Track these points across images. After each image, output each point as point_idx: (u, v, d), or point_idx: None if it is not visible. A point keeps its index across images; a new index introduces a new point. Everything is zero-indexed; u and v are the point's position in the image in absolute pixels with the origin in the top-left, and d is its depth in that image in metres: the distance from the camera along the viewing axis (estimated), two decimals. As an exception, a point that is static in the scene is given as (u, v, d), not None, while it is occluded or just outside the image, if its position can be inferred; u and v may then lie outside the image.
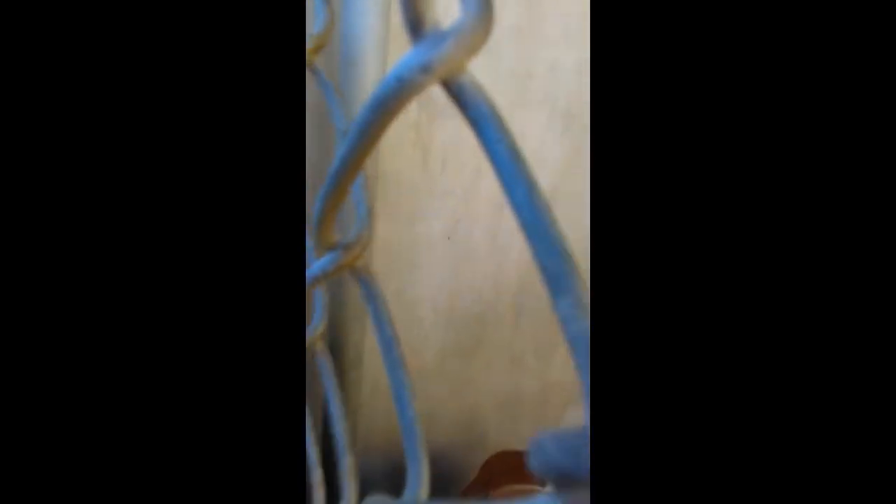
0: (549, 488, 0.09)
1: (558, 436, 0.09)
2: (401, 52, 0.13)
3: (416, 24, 0.12)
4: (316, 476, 0.33)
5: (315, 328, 0.32)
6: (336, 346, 0.62)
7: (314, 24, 0.30)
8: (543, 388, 0.75)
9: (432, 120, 0.63)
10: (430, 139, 0.64)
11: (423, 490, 0.16)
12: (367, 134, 0.14)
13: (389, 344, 0.19)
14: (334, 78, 0.53)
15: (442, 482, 0.75)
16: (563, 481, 0.08)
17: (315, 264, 0.24)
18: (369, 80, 0.53)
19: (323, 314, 0.32)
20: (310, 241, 0.32)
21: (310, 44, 0.29)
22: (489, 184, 0.67)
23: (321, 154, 0.60)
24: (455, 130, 0.64)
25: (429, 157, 0.66)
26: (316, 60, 0.30)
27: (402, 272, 0.67)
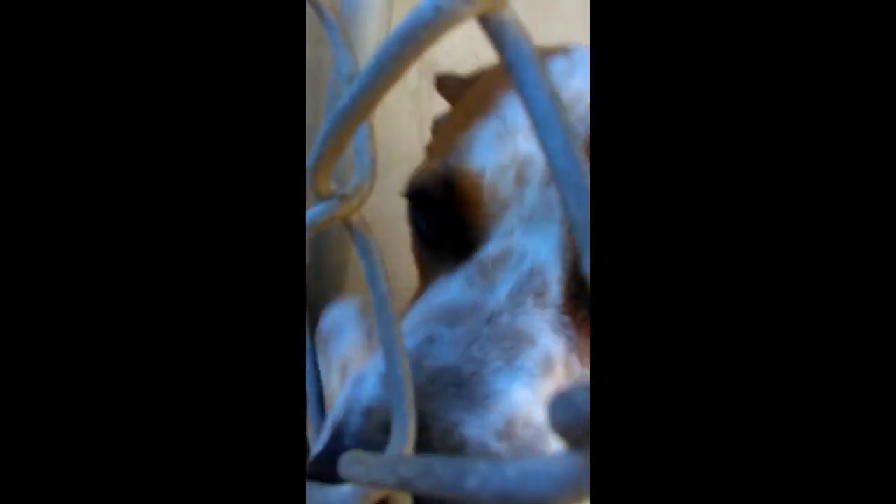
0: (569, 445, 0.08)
1: (577, 388, 0.08)
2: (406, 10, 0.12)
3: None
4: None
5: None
6: (310, 314, 0.60)
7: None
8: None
9: (433, 90, 0.62)
10: (429, 109, 0.63)
11: (409, 446, 0.15)
12: (388, 70, 0.13)
13: (383, 301, 0.19)
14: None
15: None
16: (578, 433, 0.08)
17: (307, 213, 0.23)
18: (371, 35, 0.51)
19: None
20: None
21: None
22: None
23: (313, 114, 0.58)
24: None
25: (425, 128, 0.65)
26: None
27: (385, 243, 0.66)
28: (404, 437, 0.15)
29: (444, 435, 0.19)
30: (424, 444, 0.17)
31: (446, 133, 0.31)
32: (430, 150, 0.33)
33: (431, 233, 0.29)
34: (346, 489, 0.16)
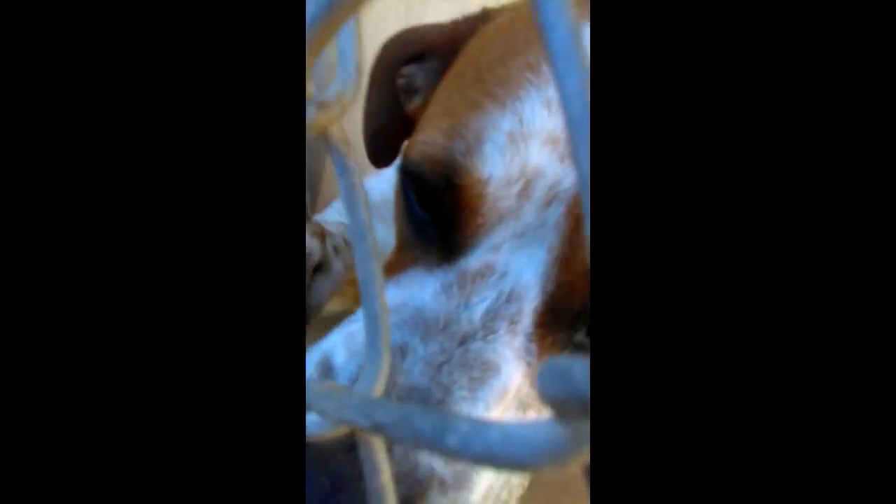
0: (551, 413, 0.08)
1: (572, 361, 0.08)
2: None
3: None
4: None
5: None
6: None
7: None
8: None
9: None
10: (421, 19, 0.58)
11: (380, 383, 0.15)
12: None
13: (362, 230, 0.17)
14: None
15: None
16: (570, 406, 0.08)
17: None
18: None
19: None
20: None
21: None
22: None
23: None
24: (450, 16, 0.58)
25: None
26: None
27: (365, 163, 0.64)
28: (376, 372, 0.15)
29: (400, 457, 0.21)
30: None
31: (452, 100, 0.27)
32: (431, 115, 0.29)
33: (420, 213, 0.27)
34: (315, 418, 0.16)
